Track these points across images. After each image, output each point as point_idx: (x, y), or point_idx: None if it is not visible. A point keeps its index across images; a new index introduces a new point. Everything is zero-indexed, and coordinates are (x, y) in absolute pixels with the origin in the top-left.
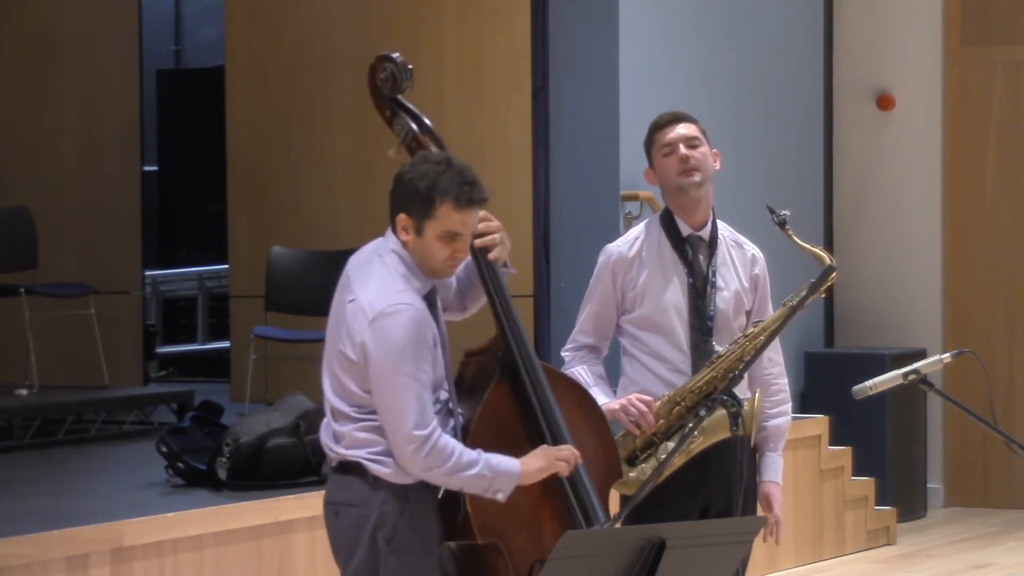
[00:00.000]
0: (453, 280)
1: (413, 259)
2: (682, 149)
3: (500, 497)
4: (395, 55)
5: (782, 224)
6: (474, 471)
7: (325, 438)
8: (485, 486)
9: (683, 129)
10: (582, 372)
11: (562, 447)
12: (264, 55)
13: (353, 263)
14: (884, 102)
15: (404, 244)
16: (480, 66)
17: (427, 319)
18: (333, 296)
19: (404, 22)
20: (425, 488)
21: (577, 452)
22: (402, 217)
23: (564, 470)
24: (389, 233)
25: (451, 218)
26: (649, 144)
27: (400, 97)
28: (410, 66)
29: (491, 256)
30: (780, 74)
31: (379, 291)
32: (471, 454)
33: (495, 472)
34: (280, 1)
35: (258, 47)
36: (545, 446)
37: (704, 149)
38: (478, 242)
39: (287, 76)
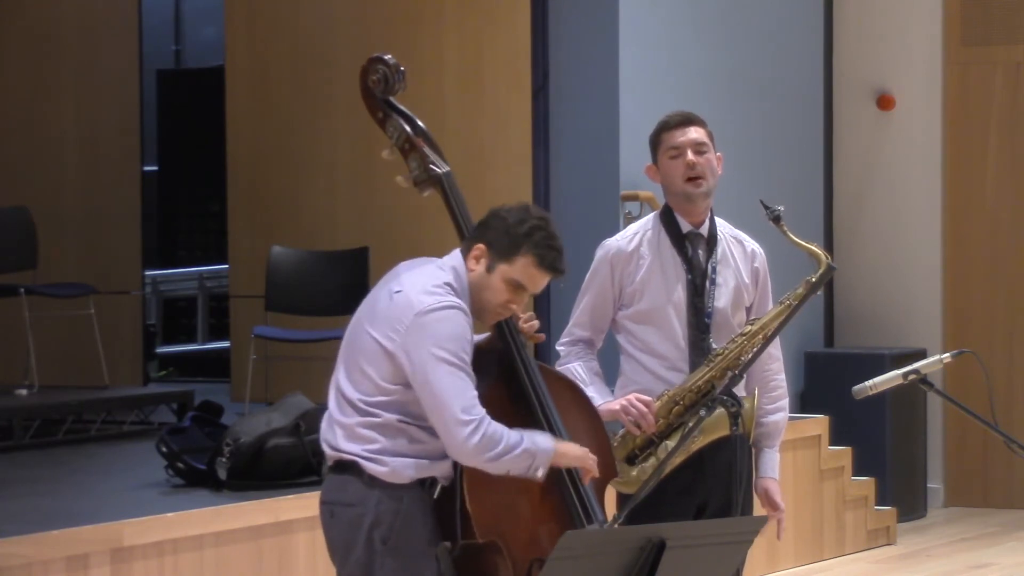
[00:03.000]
0: None
1: (469, 288)
2: (690, 155)
3: (540, 475)
4: (387, 57)
5: (776, 219)
6: (520, 450)
7: (326, 434)
8: (528, 464)
9: (693, 133)
10: (578, 369)
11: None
12: (264, 55)
13: (405, 264)
14: (884, 102)
15: (469, 271)
16: (480, 66)
17: (470, 320)
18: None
19: (404, 22)
20: (420, 488)
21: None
22: (480, 247)
23: (592, 470)
24: (456, 253)
25: (527, 272)
26: (656, 142)
27: (392, 99)
28: (402, 68)
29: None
30: (780, 74)
31: (430, 290)
32: (514, 435)
33: (537, 448)
34: (280, 1)
35: (258, 47)
36: (582, 447)
37: (710, 155)
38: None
39: (287, 76)
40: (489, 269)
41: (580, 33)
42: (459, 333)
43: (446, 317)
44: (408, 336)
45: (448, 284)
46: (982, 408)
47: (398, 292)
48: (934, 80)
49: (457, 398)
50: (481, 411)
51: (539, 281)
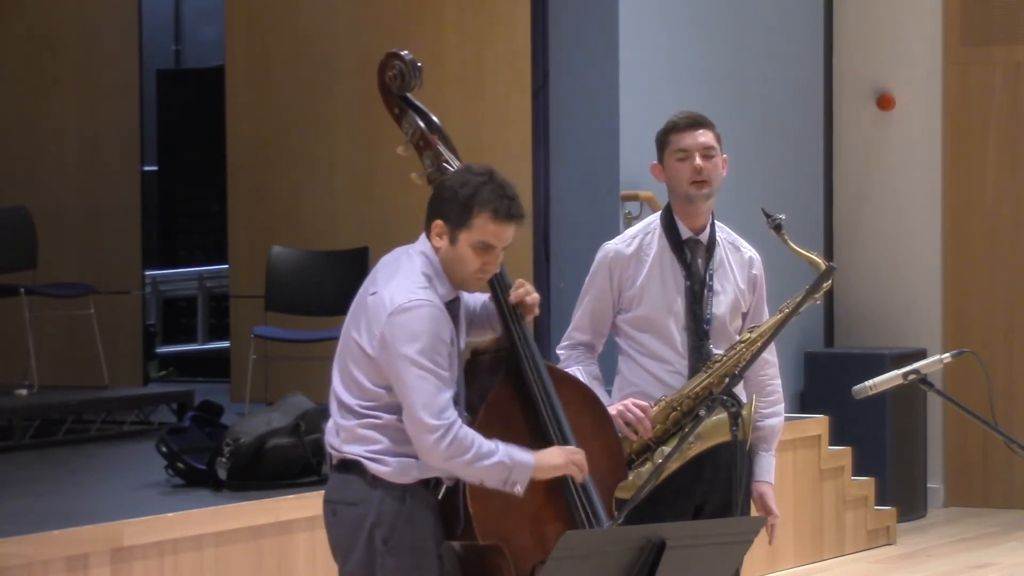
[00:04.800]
0: (461, 311)
1: (442, 265)
2: (697, 159)
3: (518, 490)
4: (404, 53)
5: (777, 228)
6: (494, 460)
7: (329, 436)
8: (504, 477)
9: (702, 137)
10: (577, 373)
11: (578, 450)
12: (264, 55)
13: (382, 260)
14: (884, 102)
15: (436, 250)
16: (480, 66)
17: (445, 317)
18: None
19: (404, 22)
20: (424, 488)
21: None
22: (438, 223)
23: (577, 475)
24: (422, 237)
25: (487, 229)
26: (663, 142)
27: (409, 95)
28: (419, 64)
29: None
30: (780, 74)
31: (400, 287)
32: (489, 444)
33: (513, 462)
34: (280, 1)
35: (258, 47)
36: (562, 446)
37: (717, 159)
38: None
39: (287, 76)
40: (452, 241)
41: (580, 33)
42: (431, 331)
43: (417, 316)
44: (383, 338)
45: (422, 274)
46: (982, 408)
47: (374, 294)
48: (934, 80)
49: (425, 402)
50: (452, 415)
51: (503, 234)
